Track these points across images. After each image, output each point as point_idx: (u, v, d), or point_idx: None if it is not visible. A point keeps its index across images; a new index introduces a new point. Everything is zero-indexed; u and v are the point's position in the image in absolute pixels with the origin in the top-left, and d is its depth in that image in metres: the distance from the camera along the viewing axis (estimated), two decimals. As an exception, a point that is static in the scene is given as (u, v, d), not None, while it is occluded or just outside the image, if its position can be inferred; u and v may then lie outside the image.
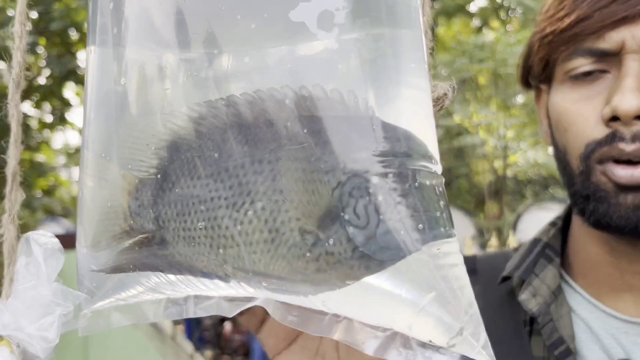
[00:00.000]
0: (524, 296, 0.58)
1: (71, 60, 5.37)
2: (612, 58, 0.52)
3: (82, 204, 0.36)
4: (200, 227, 0.31)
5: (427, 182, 0.29)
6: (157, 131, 0.33)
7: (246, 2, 0.31)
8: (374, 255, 0.29)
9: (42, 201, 6.36)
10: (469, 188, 7.55)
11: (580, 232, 0.60)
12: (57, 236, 0.37)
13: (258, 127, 0.31)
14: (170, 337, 3.23)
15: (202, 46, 0.33)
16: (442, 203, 0.29)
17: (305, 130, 0.30)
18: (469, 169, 7.22)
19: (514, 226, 4.52)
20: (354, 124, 0.29)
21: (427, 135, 0.30)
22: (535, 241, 0.63)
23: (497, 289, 0.63)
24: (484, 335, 0.28)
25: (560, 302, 0.57)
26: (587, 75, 0.54)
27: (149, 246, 0.33)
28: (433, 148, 0.30)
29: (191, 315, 0.36)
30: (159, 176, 0.32)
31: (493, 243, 4.50)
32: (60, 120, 6.27)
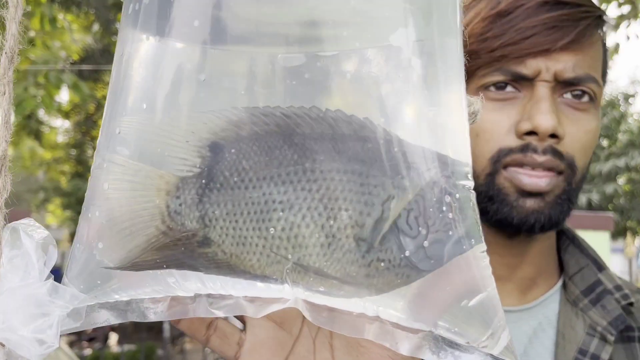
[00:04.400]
0: None
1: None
2: (526, 82, 0.62)
3: (98, 208, 0.34)
4: (253, 227, 0.31)
5: (465, 198, 0.32)
6: (197, 128, 0.32)
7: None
8: (418, 264, 0.31)
9: None
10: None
11: None
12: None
13: (303, 139, 0.32)
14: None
15: (246, 44, 0.33)
16: (476, 214, 0.32)
17: (349, 147, 0.31)
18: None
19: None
20: (389, 146, 0.32)
21: (466, 148, 0.33)
22: None
23: None
24: (509, 336, 0.32)
25: None
26: (500, 90, 0.63)
27: (188, 245, 0.32)
28: (468, 161, 0.33)
29: (203, 315, 0.36)
30: (204, 175, 0.32)
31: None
32: None
